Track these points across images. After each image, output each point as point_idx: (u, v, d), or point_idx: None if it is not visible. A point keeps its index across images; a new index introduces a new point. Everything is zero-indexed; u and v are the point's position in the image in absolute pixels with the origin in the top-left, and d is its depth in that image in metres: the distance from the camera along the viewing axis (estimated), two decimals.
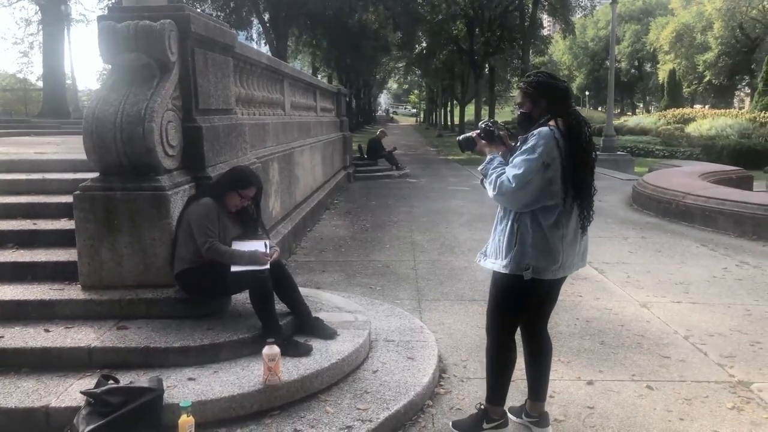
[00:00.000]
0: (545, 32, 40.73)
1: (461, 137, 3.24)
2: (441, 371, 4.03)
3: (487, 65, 36.56)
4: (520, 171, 2.79)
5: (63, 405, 3.03)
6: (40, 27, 23.35)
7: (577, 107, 3.21)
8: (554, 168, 2.80)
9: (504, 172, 2.87)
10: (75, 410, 2.96)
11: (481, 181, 3.04)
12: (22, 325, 3.70)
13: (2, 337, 3.54)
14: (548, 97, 2.95)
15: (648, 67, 70.76)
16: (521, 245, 2.89)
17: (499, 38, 33.85)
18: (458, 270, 6.67)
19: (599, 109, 74.36)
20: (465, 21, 35.10)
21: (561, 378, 3.96)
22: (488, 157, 3.04)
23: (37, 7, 23.05)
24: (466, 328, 4.88)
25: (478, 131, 3.17)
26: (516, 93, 3.10)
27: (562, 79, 3.07)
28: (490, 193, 2.93)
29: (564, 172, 2.82)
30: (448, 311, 5.30)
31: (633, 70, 72.26)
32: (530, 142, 2.82)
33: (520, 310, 3.11)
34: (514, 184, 2.79)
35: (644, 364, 4.18)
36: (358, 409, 3.29)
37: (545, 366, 3.28)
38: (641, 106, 76.34)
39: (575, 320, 5.05)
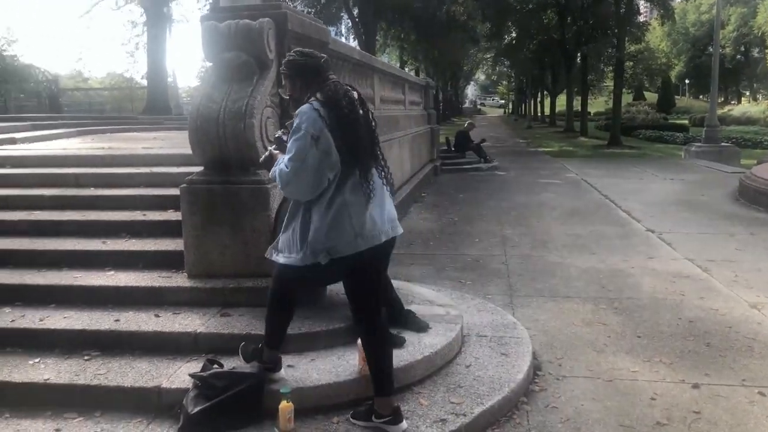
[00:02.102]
0: (642, 19, 38.76)
1: (261, 159, 3.27)
2: (535, 369, 3.95)
3: (579, 55, 35.30)
4: (293, 152, 2.79)
5: (173, 386, 3.21)
6: (145, 28, 24.70)
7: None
8: (325, 139, 2.78)
9: (281, 162, 2.90)
10: (184, 392, 3.13)
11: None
12: (134, 310, 3.94)
13: (118, 320, 3.79)
14: (301, 75, 2.99)
15: (756, 52, 66.20)
16: (314, 232, 2.85)
17: (593, 26, 32.53)
18: (552, 265, 6.52)
19: (701, 97, 70.49)
20: (556, 9, 34.05)
21: (663, 380, 3.79)
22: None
23: (143, 10, 24.39)
24: (561, 325, 4.77)
25: (273, 146, 3.21)
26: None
27: (317, 55, 3.04)
28: (281, 190, 2.97)
29: (336, 141, 2.81)
30: (542, 308, 5.19)
31: (739, 56, 67.85)
32: (295, 124, 2.84)
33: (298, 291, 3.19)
34: (289, 168, 2.79)
35: (756, 369, 3.93)
36: (452, 402, 3.29)
37: (381, 356, 3.08)
38: (747, 94, 71.57)
39: (677, 320, 4.82)
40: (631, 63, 42.34)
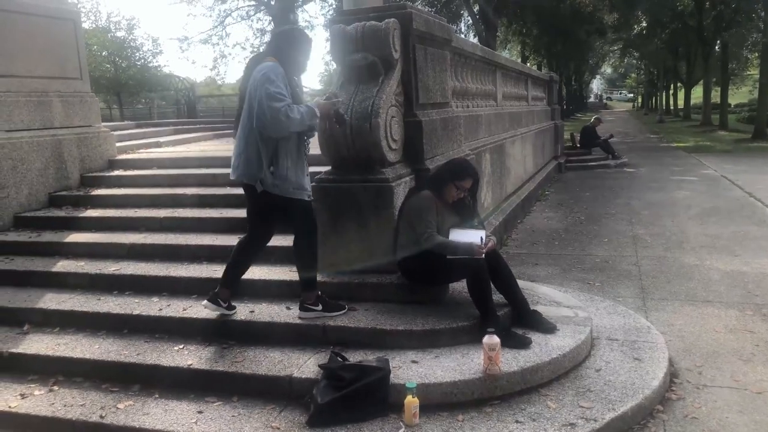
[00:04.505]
0: None
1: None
2: (672, 376, 3.72)
3: (719, 42, 32.68)
4: None
5: (303, 376, 3.34)
6: None
7: None
8: None
9: None
10: (313, 382, 3.25)
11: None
12: (267, 301, 4.15)
13: (253, 311, 4.01)
14: None
15: None
16: None
17: (734, 10, 30.03)
18: (688, 268, 6.10)
19: None
20: None
21: None
22: None
23: (270, 18, 25.58)
24: (700, 331, 4.45)
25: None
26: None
27: None
28: None
29: None
30: (678, 312, 4.87)
31: None
32: None
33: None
34: None
35: None
36: (581, 407, 3.17)
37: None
38: None
39: None
40: None
